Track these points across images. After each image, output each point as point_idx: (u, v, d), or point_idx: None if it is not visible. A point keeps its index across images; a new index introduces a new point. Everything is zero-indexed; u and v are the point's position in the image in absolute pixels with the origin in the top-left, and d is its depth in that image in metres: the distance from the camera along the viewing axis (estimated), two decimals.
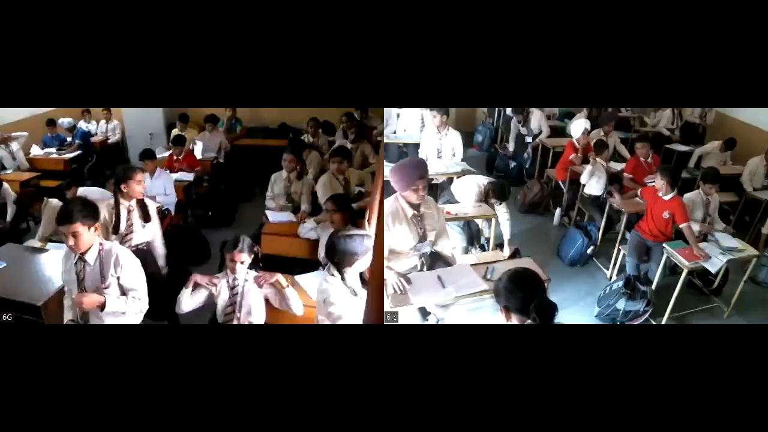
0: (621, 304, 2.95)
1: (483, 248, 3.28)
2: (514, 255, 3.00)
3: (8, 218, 3.69)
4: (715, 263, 2.80)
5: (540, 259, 2.96)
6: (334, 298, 1.76)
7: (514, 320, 1.45)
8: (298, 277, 2.49)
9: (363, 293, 1.80)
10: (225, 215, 4.37)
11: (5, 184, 3.78)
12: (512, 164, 4.91)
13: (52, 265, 2.73)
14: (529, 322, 1.40)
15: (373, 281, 1.47)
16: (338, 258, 1.81)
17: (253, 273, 2.18)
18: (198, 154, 4.50)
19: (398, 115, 4.32)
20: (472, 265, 2.48)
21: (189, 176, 4.06)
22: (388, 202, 2.30)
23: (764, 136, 4.48)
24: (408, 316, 2.31)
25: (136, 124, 5.57)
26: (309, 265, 2.69)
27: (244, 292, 2.14)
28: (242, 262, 2.09)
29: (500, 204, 3.10)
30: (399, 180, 2.24)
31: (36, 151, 4.93)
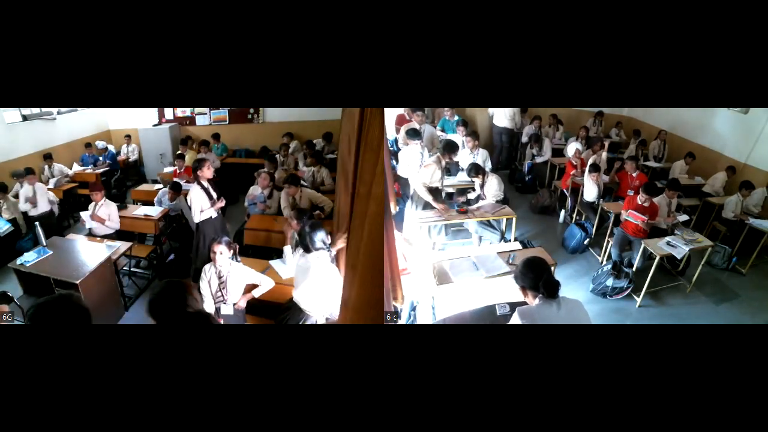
0: (609, 282, 3.55)
1: (506, 240, 3.79)
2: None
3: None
4: (680, 251, 3.41)
5: (549, 248, 3.50)
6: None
7: (530, 296, 1.61)
8: (272, 262, 3.13)
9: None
10: None
11: (48, 192, 4.70)
12: (527, 177, 5.89)
13: (86, 253, 3.30)
14: (540, 296, 1.55)
15: (377, 283, 1.44)
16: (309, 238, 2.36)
17: (235, 264, 2.66)
18: None
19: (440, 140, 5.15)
20: (498, 252, 3.00)
21: (189, 186, 4.92)
22: None
23: (717, 156, 5.36)
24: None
25: (150, 146, 6.72)
26: (280, 252, 3.26)
27: (228, 279, 2.63)
28: (221, 253, 2.55)
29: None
30: None
31: (76, 167, 6.05)
